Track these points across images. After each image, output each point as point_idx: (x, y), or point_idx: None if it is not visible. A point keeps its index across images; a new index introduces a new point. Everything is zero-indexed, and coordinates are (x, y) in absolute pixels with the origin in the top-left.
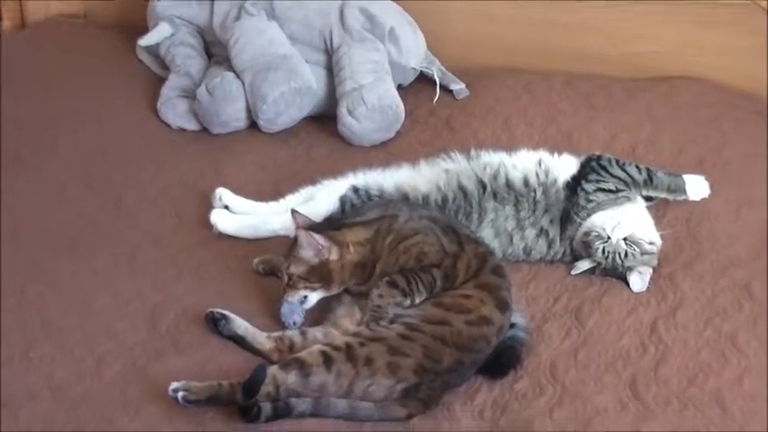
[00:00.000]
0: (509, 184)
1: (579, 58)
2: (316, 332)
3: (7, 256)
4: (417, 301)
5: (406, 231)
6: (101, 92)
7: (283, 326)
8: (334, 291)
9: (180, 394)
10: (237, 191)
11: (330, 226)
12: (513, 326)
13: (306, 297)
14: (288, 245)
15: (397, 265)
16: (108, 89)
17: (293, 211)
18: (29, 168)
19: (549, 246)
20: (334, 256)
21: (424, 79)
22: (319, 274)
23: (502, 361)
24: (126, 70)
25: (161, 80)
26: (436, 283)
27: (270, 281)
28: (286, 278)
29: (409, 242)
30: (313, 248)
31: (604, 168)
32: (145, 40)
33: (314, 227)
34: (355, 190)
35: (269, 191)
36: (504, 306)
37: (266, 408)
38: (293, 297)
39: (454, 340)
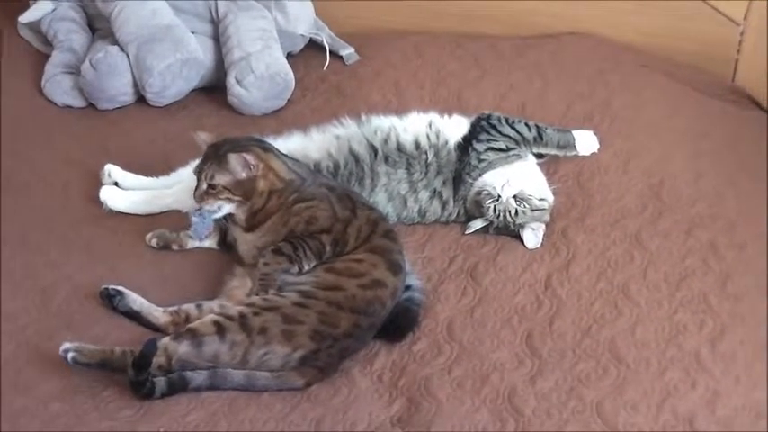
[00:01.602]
0: (400, 148)
1: (466, 18)
2: (211, 305)
3: None
4: (306, 267)
5: (304, 195)
6: None
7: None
8: (243, 210)
9: (70, 355)
10: (127, 166)
11: (255, 143)
12: (408, 288)
13: (220, 207)
14: (205, 157)
15: (287, 226)
16: None
17: (195, 133)
18: None
19: (443, 207)
20: (260, 173)
21: (313, 46)
22: (243, 188)
23: (399, 324)
24: (7, 48)
25: (45, 57)
26: (325, 248)
27: (164, 255)
28: (205, 186)
29: (303, 205)
30: (243, 167)
31: (494, 127)
32: (25, 17)
33: (224, 139)
34: None
35: (160, 165)
36: (396, 268)
37: (161, 383)
38: (211, 206)
39: (349, 304)
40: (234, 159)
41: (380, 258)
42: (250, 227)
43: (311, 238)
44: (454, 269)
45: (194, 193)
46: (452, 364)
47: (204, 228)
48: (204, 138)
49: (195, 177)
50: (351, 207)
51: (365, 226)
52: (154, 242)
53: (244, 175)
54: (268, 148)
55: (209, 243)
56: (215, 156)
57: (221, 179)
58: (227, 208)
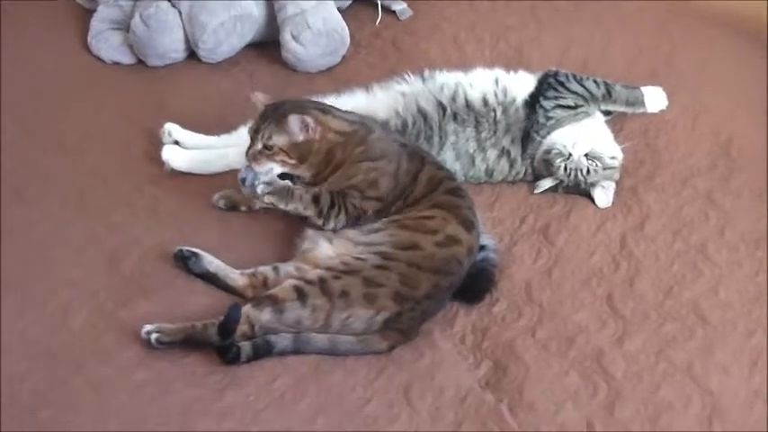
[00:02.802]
0: (468, 105)
1: None
2: (288, 268)
3: None
4: (329, 227)
5: (375, 151)
6: (24, 27)
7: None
8: (299, 171)
9: (153, 336)
10: (184, 125)
11: (314, 105)
12: (482, 248)
13: (271, 169)
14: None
15: (351, 180)
16: (31, 24)
17: (254, 93)
18: None
19: (511, 166)
20: (317, 135)
21: (361, 1)
22: (299, 151)
23: (476, 285)
24: (49, 3)
25: (86, 12)
26: (365, 215)
27: (231, 216)
28: (260, 146)
29: (372, 165)
30: (302, 129)
31: (562, 84)
32: None
33: (283, 101)
34: None
35: (216, 123)
36: (468, 224)
37: (246, 347)
38: (264, 167)
39: (428, 264)
40: (294, 120)
41: (449, 214)
42: (317, 182)
43: (363, 199)
44: (526, 229)
45: (247, 152)
46: (535, 326)
47: (257, 185)
48: (261, 98)
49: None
50: (419, 165)
51: (424, 186)
52: (221, 203)
53: (301, 137)
54: (327, 110)
55: None
56: (273, 116)
57: (278, 140)
58: (279, 170)
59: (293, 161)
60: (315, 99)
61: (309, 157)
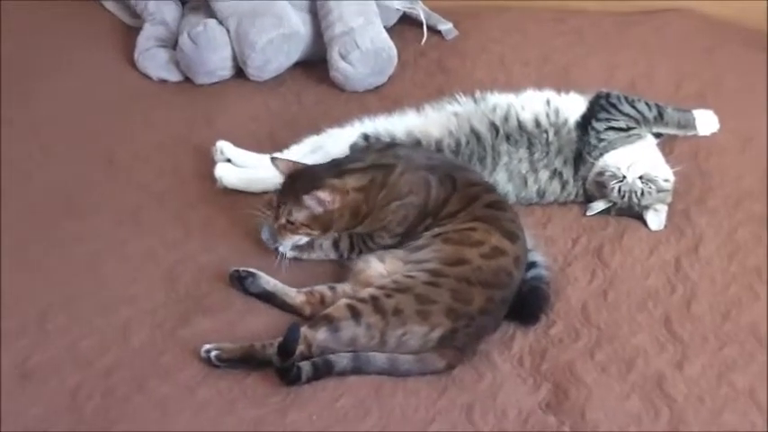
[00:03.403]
0: (521, 126)
1: None
2: (344, 287)
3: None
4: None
5: (400, 188)
6: (69, 45)
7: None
8: (329, 236)
9: (213, 354)
10: (232, 142)
11: (330, 172)
12: (534, 265)
13: (298, 240)
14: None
15: (383, 222)
16: (76, 42)
17: (273, 159)
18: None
19: (563, 187)
20: (336, 204)
21: (406, 20)
22: (321, 221)
23: (531, 303)
24: (91, 21)
25: (129, 29)
26: (386, 244)
27: None
28: (284, 221)
29: (400, 203)
30: (320, 205)
31: (614, 106)
32: None
33: (300, 170)
34: (365, 137)
35: (265, 141)
36: (511, 236)
37: (306, 367)
38: (290, 241)
39: (477, 278)
40: (309, 200)
41: (490, 226)
42: (353, 227)
43: (390, 237)
44: (579, 250)
45: (274, 225)
46: (593, 349)
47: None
48: (280, 165)
49: (274, 207)
50: (450, 190)
51: (457, 204)
52: None
53: (321, 209)
54: (343, 171)
55: None
56: (291, 191)
57: (299, 216)
58: (306, 240)
59: (317, 232)
60: (361, 117)
61: (333, 224)
